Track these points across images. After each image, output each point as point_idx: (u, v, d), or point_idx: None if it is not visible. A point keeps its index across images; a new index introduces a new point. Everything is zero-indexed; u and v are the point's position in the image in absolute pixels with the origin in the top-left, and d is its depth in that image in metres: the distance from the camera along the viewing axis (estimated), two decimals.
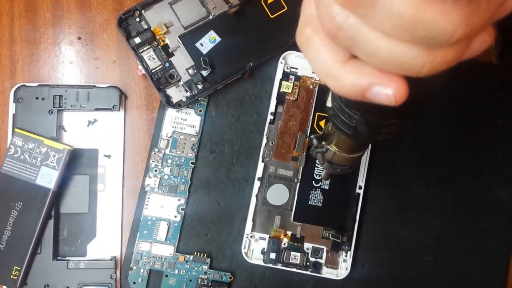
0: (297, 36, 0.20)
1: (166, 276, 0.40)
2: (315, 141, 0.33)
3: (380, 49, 0.16)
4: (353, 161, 0.33)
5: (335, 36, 0.17)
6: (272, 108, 0.41)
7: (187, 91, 0.40)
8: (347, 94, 0.19)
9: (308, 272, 0.40)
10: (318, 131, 0.41)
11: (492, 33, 0.17)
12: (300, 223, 0.40)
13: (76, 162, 0.40)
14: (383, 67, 0.17)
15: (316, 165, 0.41)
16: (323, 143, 0.33)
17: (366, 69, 0.17)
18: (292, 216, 0.41)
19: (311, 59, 0.19)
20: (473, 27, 0.15)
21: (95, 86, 0.41)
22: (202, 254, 0.40)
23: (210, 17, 0.41)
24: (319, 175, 0.41)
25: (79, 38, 0.42)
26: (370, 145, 0.41)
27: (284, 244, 0.40)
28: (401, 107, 0.18)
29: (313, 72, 0.42)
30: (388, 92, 0.17)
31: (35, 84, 0.40)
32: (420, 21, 0.14)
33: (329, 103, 0.27)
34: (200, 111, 0.42)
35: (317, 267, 0.40)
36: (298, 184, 0.41)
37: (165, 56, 0.40)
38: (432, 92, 0.21)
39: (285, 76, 0.41)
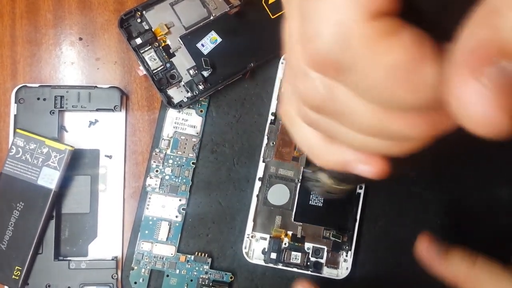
0: (281, 114, 0.21)
1: (167, 276, 0.40)
2: (309, 174, 0.33)
3: (354, 141, 0.17)
4: (348, 191, 0.33)
5: (310, 125, 0.18)
6: (273, 108, 0.41)
7: (188, 92, 0.41)
8: (330, 168, 0.20)
9: (309, 272, 0.40)
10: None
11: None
12: (301, 223, 0.41)
13: (77, 162, 0.40)
14: (362, 152, 0.18)
15: None
16: (317, 174, 0.33)
17: (348, 149, 0.18)
18: (293, 216, 0.41)
19: (296, 137, 0.20)
20: (442, 129, 0.15)
21: (96, 86, 0.41)
22: (203, 254, 0.41)
23: (211, 17, 0.41)
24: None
25: (80, 39, 0.42)
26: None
27: (285, 244, 0.40)
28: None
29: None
30: (369, 169, 0.18)
31: (37, 85, 0.40)
32: (386, 130, 0.15)
33: None
34: (201, 111, 0.42)
35: (317, 267, 0.40)
36: (299, 184, 0.41)
37: (166, 56, 0.40)
38: (417, 160, 0.22)
39: None
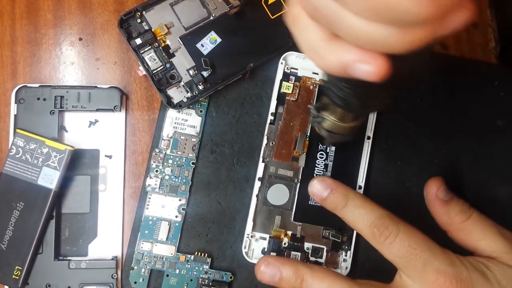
0: (286, 15, 0.21)
1: (167, 275, 0.40)
2: (313, 111, 0.33)
3: (355, 29, 0.17)
4: (351, 129, 0.33)
5: (313, 16, 0.18)
6: (272, 108, 0.41)
7: (187, 92, 0.41)
8: (331, 70, 0.20)
9: None
10: (318, 132, 0.41)
11: (472, 9, 0.17)
12: (300, 223, 0.41)
13: (77, 162, 0.41)
14: (362, 45, 0.18)
15: (317, 165, 0.41)
16: (321, 112, 0.33)
17: (349, 47, 0.18)
18: (293, 216, 0.41)
19: (298, 37, 0.20)
20: (440, 7, 0.15)
21: (96, 86, 0.41)
22: (203, 254, 0.41)
23: (211, 18, 0.41)
24: (319, 175, 0.41)
25: (80, 39, 0.43)
26: (371, 114, 0.41)
27: (285, 243, 0.40)
28: (386, 82, 0.18)
29: (313, 73, 0.42)
30: (369, 69, 0.18)
31: (37, 85, 0.40)
32: (385, 3, 0.15)
33: (323, 76, 0.28)
34: (201, 111, 0.42)
35: None
36: (299, 184, 0.41)
37: (166, 57, 0.40)
38: (418, 68, 0.21)
39: (286, 76, 0.42)
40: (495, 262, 0.33)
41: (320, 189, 0.35)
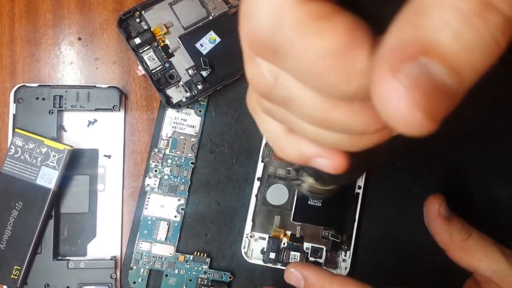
0: (247, 102, 0.20)
1: (166, 275, 0.40)
2: (292, 173, 0.33)
3: (307, 132, 0.16)
4: (331, 191, 0.33)
5: (268, 114, 0.18)
6: None
7: (187, 92, 0.41)
8: (292, 161, 0.19)
9: None
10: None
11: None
12: (300, 223, 0.41)
13: (76, 162, 0.41)
14: (318, 144, 0.17)
15: None
16: (301, 174, 0.33)
17: (306, 142, 0.18)
18: (292, 216, 0.41)
19: (259, 126, 0.20)
20: (385, 124, 0.15)
21: (95, 86, 0.41)
22: (202, 254, 0.41)
23: (210, 17, 0.41)
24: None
25: (79, 39, 0.42)
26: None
27: (284, 244, 0.40)
28: (347, 170, 0.18)
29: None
30: (327, 163, 0.18)
31: (36, 85, 0.40)
32: (331, 121, 0.15)
33: None
34: (200, 111, 0.42)
35: None
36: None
37: (165, 56, 0.40)
38: (379, 156, 0.21)
39: None
40: None
41: (295, 280, 0.35)
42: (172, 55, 0.41)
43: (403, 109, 0.11)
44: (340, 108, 0.14)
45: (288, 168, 0.36)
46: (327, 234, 0.40)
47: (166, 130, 0.41)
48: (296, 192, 0.41)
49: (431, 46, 0.11)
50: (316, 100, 0.14)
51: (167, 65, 0.40)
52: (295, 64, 0.13)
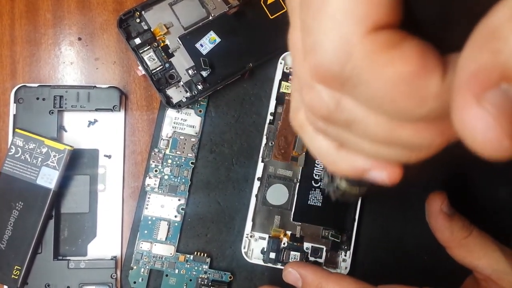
0: (291, 120, 0.20)
1: (167, 275, 0.40)
2: (326, 179, 0.33)
3: (366, 150, 0.17)
4: (361, 194, 0.33)
5: (321, 132, 0.18)
6: (271, 108, 0.41)
7: (187, 92, 0.41)
8: (346, 175, 0.19)
9: None
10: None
11: None
12: (300, 223, 0.41)
13: (76, 162, 0.41)
14: (375, 159, 0.17)
15: (316, 165, 0.41)
16: (335, 178, 0.33)
17: (360, 156, 0.18)
18: (292, 216, 0.41)
19: (307, 143, 0.20)
20: (450, 137, 0.15)
21: (95, 86, 0.41)
22: (202, 254, 0.41)
23: (210, 17, 0.41)
24: (319, 175, 0.41)
25: (80, 39, 0.43)
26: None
27: (284, 243, 0.40)
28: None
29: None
30: (383, 176, 0.18)
31: (36, 85, 0.40)
32: (396, 140, 0.15)
33: None
34: (200, 111, 0.42)
35: None
36: (298, 184, 0.41)
37: (165, 56, 0.40)
38: (430, 165, 0.21)
39: (285, 76, 0.42)
40: None
41: (293, 280, 0.35)
42: (172, 55, 0.41)
43: (491, 137, 0.11)
44: (407, 127, 0.14)
45: (323, 171, 0.36)
46: (327, 234, 0.40)
47: (166, 130, 0.41)
48: (296, 192, 0.41)
49: (509, 71, 0.11)
50: (381, 122, 0.14)
51: (167, 65, 0.40)
52: (365, 92, 0.13)
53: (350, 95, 0.14)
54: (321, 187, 0.41)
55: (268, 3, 0.42)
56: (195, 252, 0.41)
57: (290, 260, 0.40)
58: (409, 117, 0.14)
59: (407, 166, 0.18)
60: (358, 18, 0.12)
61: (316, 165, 0.41)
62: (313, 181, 0.41)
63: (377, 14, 0.12)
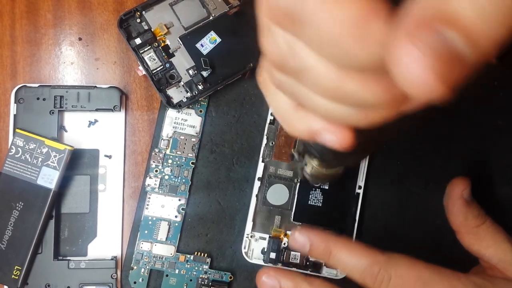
0: (257, 76, 0.21)
1: (167, 275, 0.40)
2: (296, 156, 0.33)
3: (317, 106, 0.17)
4: (333, 176, 0.33)
5: (277, 87, 0.19)
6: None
7: (187, 92, 0.41)
8: (300, 136, 0.20)
9: (308, 272, 0.40)
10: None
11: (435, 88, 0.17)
12: (300, 223, 0.41)
13: (77, 162, 0.41)
14: (326, 119, 0.18)
15: None
16: (304, 157, 0.33)
17: (315, 117, 0.18)
18: (292, 216, 0.41)
19: (270, 103, 0.21)
20: (397, 95, 0.15)
21: (95, 86, 0.41)
22: (202, 254, 0.41)
23: (211, 18, 0.41)
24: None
25: (80, 39, 0.43)
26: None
27: (284, 243, 0.40)
28: (357, 146, 0.18)
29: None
30: (334, 139, 0.18)
31: (36, 85, 0.40)
32: (342, 91, 0.15)
33: None
34: (201, 111, 0.42)
35: (316, 266, 0.40)
36: (298, 184, 0.41)
37: (165, 56, 0.40)
38: (386, 135, 0.21)
39: None
40: (500, 280, 0.32)
41: (301, 244, 0.35)
42: (172, 55, 0.41)
43: (417, 72, 0.11)
44: (353, 78, 0.15)
45: (292, 152, 0.36)
46: None
47: (167, 130, 0.41)
48: (296, 192, 0.41)
49: (448, 15, 0.11)
50: (330, 70, 0.15)
51: (167, 65, 0.40)
52: (313, 32, 0.14)
53: (300, 36, 0.15)
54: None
55: None
56: (196, 252, 0.41)
57: (290, 260, 0.40)
58: (353, 62, 0.14)
59: (361, 132, 0.18)
60: None
61: None
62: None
63: None
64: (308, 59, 0.15)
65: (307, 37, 0.14)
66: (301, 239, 0.33)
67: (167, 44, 0.41)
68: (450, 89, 0.12)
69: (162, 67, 0.40)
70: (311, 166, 0.32)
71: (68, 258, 0.40)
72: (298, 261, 0.40)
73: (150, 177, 0.41)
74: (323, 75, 0.15)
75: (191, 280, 0.40)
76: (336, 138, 0.18)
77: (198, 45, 0.41)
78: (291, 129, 0.20)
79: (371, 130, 0.18)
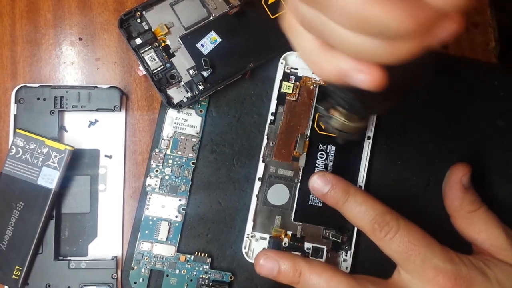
0: (282, 21, 0.21)
1: (167, 276, 0.40)
2: (321, 110, 0.33)
3: (344, 41, 0.17)
4: (357, 129, 0.33)
5: (304, 25, 0.18)
6: (272, 108, 0.41)
7: (188, 92, 0.41)
8: (328, 78, 0.19)
9: None
10: (319, 131, 0.41)
11: (459, 21, 0.17)
12: (301, 223, 0.41)
13: (77, 162, 0.41)
14: (354, 56, 0.18)
15: (317, 165, 0.41)
16: (330, 111, 0.33)
17: (343, 56, 0.18)
18: (293, 216, 0.41)
19: (294, 44, 0.20)
20: (421, 21, 0.15)
21: (96, 86, 0.41)
22: (203, 254, 0.41)
23: (211, 17, 0.41)
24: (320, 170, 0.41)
25: (80, 39, 0.43)
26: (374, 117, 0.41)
27: (285, 244, 0.40)
28: (386, 88, 0.18)
29: (313, 73, 0.42)
30: (365, 78, 0.18)
31: (37, 85, 0.40)
32: (367, 18, 0.15)
33: None
34: (201, 111, 0.42)
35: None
36: (299, 184, 0.41)
37: (166, 56, 0.40)
38: (420, 72, 0.21)
39: (286, 76, 0.42)
40: (495, 261, 0.33)
41: (320, 184, 0.35)
42: (173, 55, 0.41)
43: None
44: (377, 4, 0.15)
45: (317, 106, 0.36)
46: (328, 234, 0.40)
47: (167, 130, 0.41)
48: (297, 192, 0.41)
49: None
50: None
51: (168, 65, 0.40)
52: None
53: None
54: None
55: (269, 3, 0.42)
56: (196, 252, 0.41)
57: None
58: None
59: (391, 73, 0.17)
60: None
61: (317, 165, 0.41)
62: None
63: None
64: None
65: None
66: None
67: (168, 44, 0.41)
68: None
69: (162, 67, 0.40)
70: (337, 120, 0.32)
71: (69, 258, 0.40)
72: None
73: (150, 177, 0.41)
74: (347, 1, 0.15)
75: (191, 280, 0.40)
76: (367, 77, 0.18)
77: (198, 45, 0.41)
78: (319, 71, 0.19)
79: (400, 71, 0.17)
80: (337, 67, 0.18)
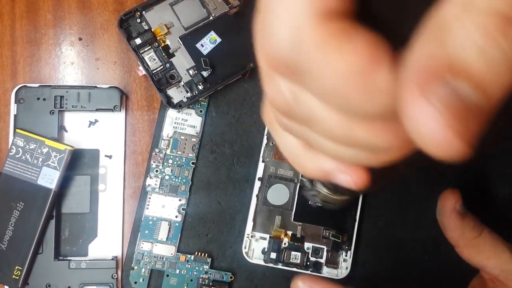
0: (262, 116, 0.20)
1: (167, 275, 0.40)
2: (307, 184, 0.33)
3: (328, 149, 0.16)
4: (344, 202, 0.33)
5: (286, 130, 0.17)
6: None
7: (187, 92, 0.41)
8: (312, 177, 0.19)
9: (309, 272, 0.40)
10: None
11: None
12: (301, 223, 0.41)
13: (77, 162, 0.41)
14: (337, 160, 0.17)
15: None
16: (314, 185, 0.32)
17: (326, 157, 0.17)
18: (293, 216, 0.41)
19: (278, 143, 0.20)
20: (409, 138, 0.14)
21: (96, 86, 0.41)
22: (203, 254, 0.41)
23: (211, 18, 0.41)
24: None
25: (80, 39, 0.43)
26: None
27: (285, 244, 0.40)
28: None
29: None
30: (349, 179, 0.17)
31: (36, 85, 0.40)
32: (353, 139, 0.14)
33: None
34: (201, 111, 0.42)
35: (317, 266, 0.40)
36: (299, 184, 0.41)
37: (165, 56, 0.40)
38: (399, 170, 0.21)
39: None
40: None
41: None
42: (172, 55, 0.41)
43: (434, 130, 0.11)
44: (363, 126, 0.14)
45: (301, 179, 0.36)
46: (327, 234, 0.40)
47: (167, 130, 0.41)
48: (297, 192, 0.41)
49: (456, 64, 0.10)
50: (338, 118, 0.14)
51: (167, 65, 0.40)
52: (316, 84, 0.13)
53: (304, 87, 0.14)
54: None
55: None
56: (196, 252, 0.41)
57: (291, 260, 0.40)
58: (361, 113, 0.13)
59: (375, 170, 0.17)
60: (309, 3, 0.12)
61: None
62: (313, 181, 0.41)
63: (329, 0, 0.12)
64: (314, 108, 0.14)
65: (311, 87, 0.13)
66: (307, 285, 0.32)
67: (167, 44, 0.41)
68: (468, 144, 0.11)
69: (162, 67, 0.40)
70: (322, 194, 0.32)
71: (69, 258, 0.40)
72: (298, 261, 0.40)
73: (150, 177, 0.41)
74: (331, 123, 0.14)
75: (191, 280, 0.40)
76: (350, 179, 0.17)
77: (198, 45, 0.41)
78: (302, 169, 0.19)
79: (385, 168, 0.17)
80: (320, 167, 0.18)
